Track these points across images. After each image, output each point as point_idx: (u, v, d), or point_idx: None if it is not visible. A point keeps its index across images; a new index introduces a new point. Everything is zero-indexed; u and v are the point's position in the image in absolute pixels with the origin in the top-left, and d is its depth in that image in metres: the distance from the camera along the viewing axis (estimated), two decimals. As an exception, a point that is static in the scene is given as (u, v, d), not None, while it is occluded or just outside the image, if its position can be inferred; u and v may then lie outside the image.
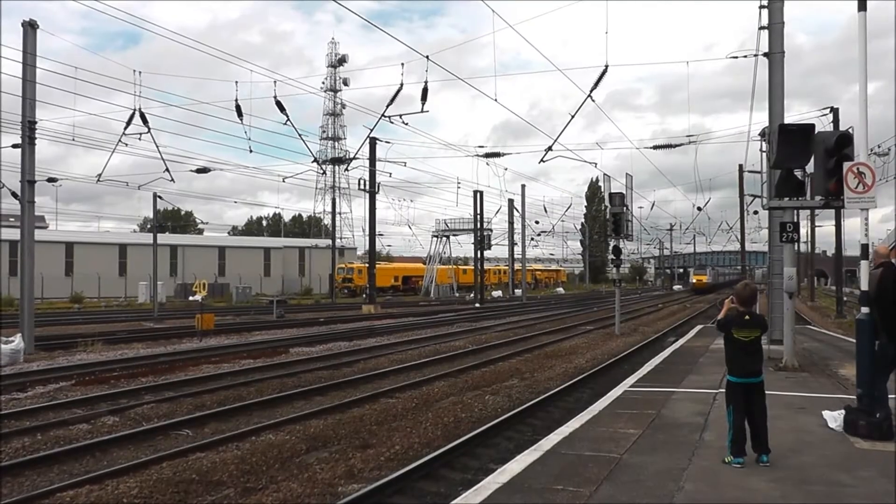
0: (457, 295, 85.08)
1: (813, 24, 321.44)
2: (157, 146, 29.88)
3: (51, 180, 34.39)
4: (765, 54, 19.17)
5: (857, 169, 9.92)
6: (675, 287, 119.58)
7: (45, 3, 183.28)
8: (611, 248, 33.19)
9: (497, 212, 76.63)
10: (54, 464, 10.45)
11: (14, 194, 26.32)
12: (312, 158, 39.20)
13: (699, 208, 62.78)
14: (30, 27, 25.04)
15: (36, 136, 25.39)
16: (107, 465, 10.29)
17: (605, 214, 31.31)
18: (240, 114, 27.89)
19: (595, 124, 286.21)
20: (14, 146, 25.92)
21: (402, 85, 26.81)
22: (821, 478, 7.51)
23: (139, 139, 28.57)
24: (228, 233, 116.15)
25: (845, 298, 45.94)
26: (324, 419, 13.38)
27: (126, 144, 29.22)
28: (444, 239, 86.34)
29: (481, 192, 66.11)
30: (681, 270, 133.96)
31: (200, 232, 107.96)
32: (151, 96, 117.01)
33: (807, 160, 12.42)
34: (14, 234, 31.57)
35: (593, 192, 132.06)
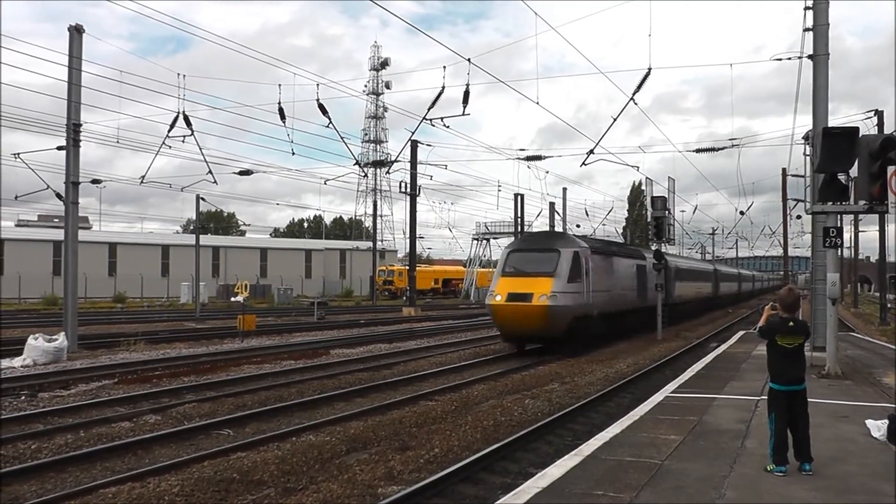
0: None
1: (861, 26, 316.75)
2: (201, 148, 30.18)
3: (95, 182, 34.75)
4: (809, 56, 18.94)
5: (903, 173, 9.79)
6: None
7: (92, 9, 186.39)
8: (652, 252, 33.00)
9: (538, 215, 76.17)
10: (97, 460, 10.59)
11: (58, 195, 26.71)
12: (354, 161, 39.28)
13: (742, 212, 62.09)
14: (76, 31, 25.36)
15: (81, 138, 25.72)
16: (149, 463, 10.41)
17: (647, 218, 31.13)
18: (283, 116, 28.09)
19: (641, 128, 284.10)
20: (59, 148, 26.27)
21: (443, 88, 26.90)
22: (863, 487, 7.42)
23: (182, 142, 28.87)
24: (270, 234, 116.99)
25: (889, 305, 45.18)
26: (364, 421, 13.43)
27: (170, 147, 29.49)
28: (485, 242, 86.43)
29: (522, 196, 65.86)
30: None
31: (243, 233, 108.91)
32: (199, 100, 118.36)
33: (851, 164, 12.28)
34: (58, 234, 31.99)
35: (635, 195, 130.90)
